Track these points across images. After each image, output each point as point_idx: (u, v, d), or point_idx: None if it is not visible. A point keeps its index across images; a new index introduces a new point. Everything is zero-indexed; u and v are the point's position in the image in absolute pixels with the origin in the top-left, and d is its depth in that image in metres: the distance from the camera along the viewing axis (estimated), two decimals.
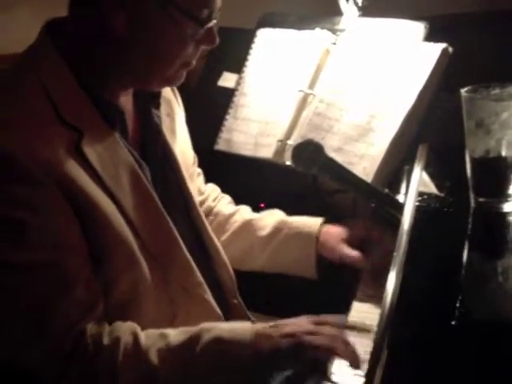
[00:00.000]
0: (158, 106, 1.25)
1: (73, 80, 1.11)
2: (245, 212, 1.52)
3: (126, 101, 1.20)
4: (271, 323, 1.08)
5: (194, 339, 1.05)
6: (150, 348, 1.04)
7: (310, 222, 1.45)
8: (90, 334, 1.04)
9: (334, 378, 1.09)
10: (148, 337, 1.06)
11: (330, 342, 1.04)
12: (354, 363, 1.03)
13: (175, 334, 1.07)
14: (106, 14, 1.07)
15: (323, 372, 1.07)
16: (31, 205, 1.02)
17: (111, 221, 1.08)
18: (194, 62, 1.17)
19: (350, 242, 1.43)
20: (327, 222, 1.46)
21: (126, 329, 1.07)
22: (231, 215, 1.51)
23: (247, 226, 1.48)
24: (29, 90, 1.09)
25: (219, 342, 1.05)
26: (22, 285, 1.02)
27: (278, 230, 1.45)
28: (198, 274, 1.19)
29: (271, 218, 1.49)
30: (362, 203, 1.66)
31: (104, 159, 1.09)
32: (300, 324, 1.07)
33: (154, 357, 1.04)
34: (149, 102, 1.24)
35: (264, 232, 1.46)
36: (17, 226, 1.02)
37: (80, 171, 1.06)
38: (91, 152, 1.08)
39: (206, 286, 1.19)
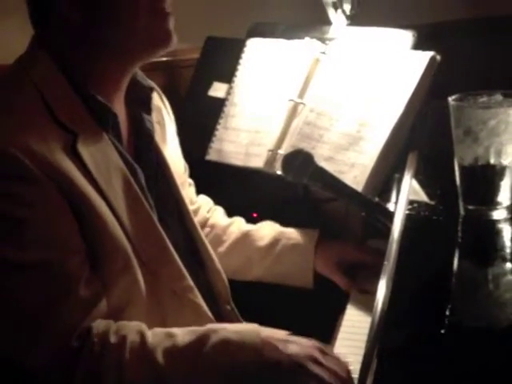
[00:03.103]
0: (149, 112, 1.26)
1: (65, 83, 1.12)
2: (241, 223, 1.54)
3: (119, 104, 1.21)
4: (278, 333, 1.08)
5: (201, 340, 1.05)
6: (156, 347, 1.04)
7: (308, 234, 1.47)
8: (97, 332, 1.04)
9: None
10: (155, 336, 1.06)
11: (332, 381, 1.04)
12: None
13: (182, 334, 1.06)
14: (61, 14, 1.10)
15: None
16: (29, 203, 1.02)
17: (107, 223, 1.08)
18: (167, 7, 1.14)
19: (343, 263, 1.45)
20: (321, 231, 1.48)
21: (132, 327, 1.07)
22: (228, 226, 1.52)
23: (245, 236, 1.50)
24: (24, 94, 1.10)
25: (227, 343, 1.04)
26: (21, 284, 1.02)
27: (276, 240, 1.47)
28: (189, 278, 1.19)
29: (269, 229, 1.50)
30: (354, 213, 1.67)
31: (98, 161, 1.10)
32: (307, 347, 1.06)
33: (160, 356, 1.03)
34: (140, 107, 1.25)
35: (262, 243, 1.48)
36: (15, 224, 1.02)
37: (76, 172, 1.06)
38: (86, 154, 1.09)
39: (197, 291, 1.19)
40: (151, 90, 1.27)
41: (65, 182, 1.05)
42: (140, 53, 1.16)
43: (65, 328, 1.03)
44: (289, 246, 1.46)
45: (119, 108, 1.21)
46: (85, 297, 1.05)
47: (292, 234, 1.48)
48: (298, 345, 1.06)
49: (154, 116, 1.29)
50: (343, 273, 1.44)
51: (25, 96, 1.10)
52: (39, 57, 1.13)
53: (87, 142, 1.10)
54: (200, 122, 1.72)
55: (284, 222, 1.55)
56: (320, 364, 1.04)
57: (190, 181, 1.50)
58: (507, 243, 1.10)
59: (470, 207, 1.13)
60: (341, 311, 1.40)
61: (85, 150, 1.09)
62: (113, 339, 1.04)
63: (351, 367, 1.07)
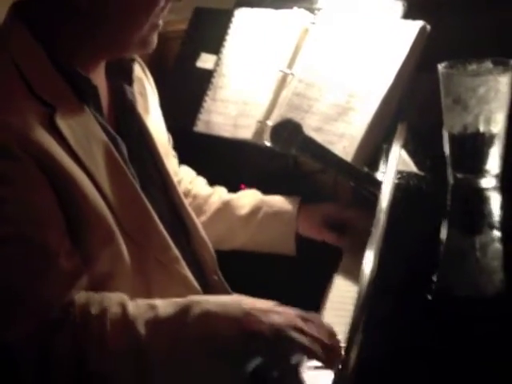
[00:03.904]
0: (130, 83, 1.25)
1: (44, 56, 1.10)
2: (222, 192, 1.54)
3: (99, 77, 1.19)
4: (259, 303, 1.08)
5: (183, 312, 1.04)
6: (137, 319, 1.03)
7: (289, 201, 1.48)
8: (78, 304, 1.04)
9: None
10: (136, 307, 1.05)
11: (314, 346, 1.03)
12: (332, 367, 1.03)
13: (164, 306, 1.06)
14: None
15: (296, 368, 1.08)
16: (8, 179, 1.01)
17: (87, 195, 1.07)
18: (161, 23, 1.17)
19: (327, 222, 1.46)
20: (307, 202, 1.49)
21: (114, 299, 1.06)
22: (209, 196, 1.52)
23: (226, 206, 1.50)
24: (0, 68, 1.08)
25: (208, 315, 1.04)
26: (0, 259, 1.01)
27: (257, 208, 1.48)
28: (175, 249, 1.18)
29: (249, 198, 1.51)
30: (343, 184, 1.66)
31: (77, 134, 1.09)
32: (289, 316, 1.06)
33: (141, 327, 1.02)
34: (122, 79, 1.23)
35: (243, 211, 1.48)
36: None
37: (55, 145, 1.05)
38: (65, 127, 1.08)
39: (183, 262, 1.19)
40: (133, 60, 1.27)
41: (44, 156, 1.03)
42: (129, 49, 1.18)
43: (46, 301, 1.02)
44: (270, 213, 1.47)
45: (99, 80, 1.19)
46: (66, 270, 1.04)
47: (273, 201, 1.49)
48: (280, 314, 1.05)
49: (136, 87, 1.28)
50: (330, 230, 1.46)
51: (1, 72, 1.08)
52: (18, 30, 1.11)
53: (66, 115, 1.09)
54: (188, 93, 1.71)
55: (272, 194, 1.54)
56: (302, 332, 1.04)
57: (173, 152, 1.49)
58: (495, 211, 1.10)
59: (459, 176, 1.13)
60: (329, 280, 1.41)
61: (64, 124, 1.08)
62: (94, 311, 1.04)
63: (339, 336, 1.07)
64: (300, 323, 1.05)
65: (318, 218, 1.46)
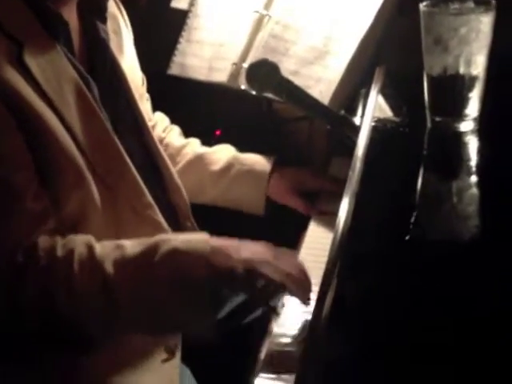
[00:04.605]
0: (104, 21, 1.20)
1: None
2: (196, 145, 1.50)
3: (71, 13, 1.14)
4: (228, 241, 1.06)
5: (150, 250, 1.03)
6: (105, 258, 1.02)
7: (263, 161, 1.45)
8: (43, 247, 1.02)
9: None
10: (103, 247, 1.04)
11: (285, 278, 1.02)
12: (304, 301, 1.03)
13: (131, 245, 1.04)
14: None
15: (272, 303, 1.07)
16: None
17: (57, 136, 1.04)
18: None
19: (298, 188, 1.44)
20: (282, 153, 1.47)
21: (80, 240, 1.04)
22: (182, 147, 1.49)
23: (199, 159, 1.47)
24: None
25: (175, 252, 1.02)
26: None
27: (230, 165, 1.45)
28: (148, 194, 1.15)
29: (223, 153, 1.47)
30: (318, 132, 1.65)
31: (47, 72, 1.05)
32: (258, 251, 1.05)
33: (109, 267, 1.01)
34: (94, 16, 1.19)
35: (216, 167, 1.45)
36: None
37: (23, 83, 1.01)
38: (33, 64, 1.03)
39: (156, 208, 1.16)
40: None
41: (11, 94, 1.00)
42: None
43: (9, 242, 1.00)
44: (242, 171, 1.44)
45: (71, 16, 1.14)
46: (32, 211, 1.02)
47: (247, 159, 1.46)
48: (249, 250, 1.04)
49: (110, 25, 1.23)
50: (300, 198, 1.43)
51: None
52: None
53: (35, 52, 1.04)
54: (162, 34, 1.67)
55: (247, 140, 1.52)
56: (273, 266, 1.03)
57: (147, 95, 1.45)
58: (472, 156, 1.09)
59: (437, 119, 1.11)
60: (304, 228, 1.40)
61: (32, 61, 1.03)
62: (60, 253, 1.02)
63: (313, 281, 1.06)
64: (271, 258, 1.04)
65: (290, 183, 1.43)
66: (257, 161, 1.45)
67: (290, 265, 1.05)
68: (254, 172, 1.44)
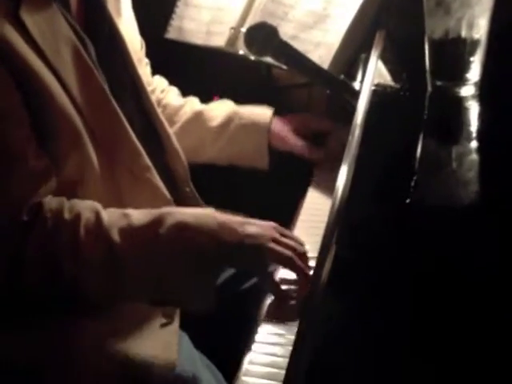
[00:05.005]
0: None
1: None
2: (194, 103, 1.49)
3: None
4: (235, 217, 1.06)
5: (157, 221, 1.02)
6: (112, 226, 1.01)
7: (262, 113, 1.44)
8: (49, 208, 1.01)
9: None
10: (110, 215, 1.03)
11: (290, 253, 1.03)
12: (303, 284, 1.03)
13: (138, 215, 1.04)
14: None
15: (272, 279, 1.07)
16: None
17: (54, 95, 1.02)
18: None
19: (302, 133, 1.43)
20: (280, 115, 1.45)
21: (87, 206, 1.04)
22: (180, 107, 1.48)
23: (197, 117, 1.46)
24: None
25: (183, 226, 1.02)
26: None
27: (229, 120, 1.44)
28: (146, 157, 1.14)
29: (221, 109, 1.46)
30: (317, 98, 1.63)
31: (44, 30, 1.03)
32: (265, 228, 1.05)
33: (115, 235, 1.01)
34: None
35: (215, 123, 1.44)
36: None
37: (20, 41, 1.00)
38: (31, 22, 1.02)
39: (154, 171, 1.15)
40: None
41: (7, 51, 0.98)
42: None
43: (13, 200, 0.99)
44: (242, 125, 1.43)
45: None
46: (34, 168, 1.01)
47: (245, 113, 1.45)
48: (256, 226, 1.04)
49: None
50: (304, 140, 1.42)
51: None
52: None
53: (32, 9, 1.02)
54: None
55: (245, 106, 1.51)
56: (279, 242, 1.03)
57: (147, 60, 1.43)
58: (473, 121, 1.08)
59: (438, 83, 1.10)
60: (302, 195, 1.39)
61: (29, 18, 1.01)
62: (67, 216, 1.01)
63: (308, 250, 1.07)
64: (277, 235, 1.04)
65: (292, 128, 1.43)
66: (256, 113, 1.44)
67: (293, 242, 1.05)
68: (254, 123, 1.43)
